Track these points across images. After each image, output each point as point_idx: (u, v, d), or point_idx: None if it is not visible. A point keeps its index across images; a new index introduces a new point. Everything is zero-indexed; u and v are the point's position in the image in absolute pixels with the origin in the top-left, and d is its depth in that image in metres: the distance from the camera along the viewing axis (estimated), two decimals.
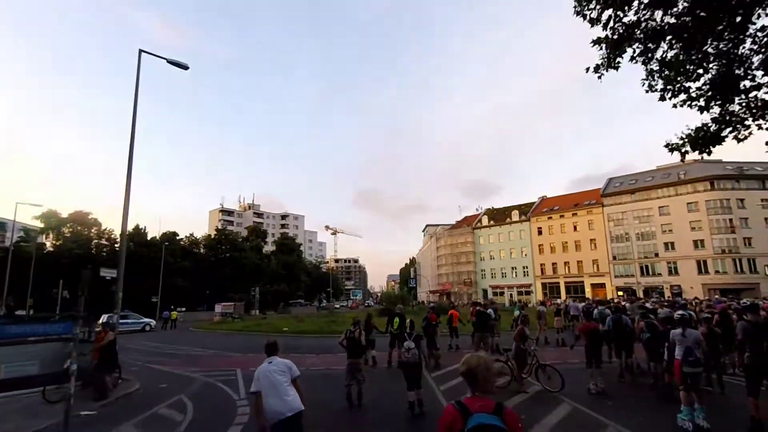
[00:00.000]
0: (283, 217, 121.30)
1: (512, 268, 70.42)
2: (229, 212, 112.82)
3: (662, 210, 55.49)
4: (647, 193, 57.28)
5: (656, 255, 55.29)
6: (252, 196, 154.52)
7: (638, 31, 6.39)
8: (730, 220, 50.71)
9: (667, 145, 6.83)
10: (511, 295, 68.50)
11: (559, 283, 63.56)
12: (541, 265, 66.59)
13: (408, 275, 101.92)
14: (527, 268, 68.23)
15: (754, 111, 6.15)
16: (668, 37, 6.24)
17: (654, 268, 55.46)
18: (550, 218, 66.62)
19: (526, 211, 70.42)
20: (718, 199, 51.64)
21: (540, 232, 67.41)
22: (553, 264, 65.06)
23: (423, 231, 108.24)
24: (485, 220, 76.38)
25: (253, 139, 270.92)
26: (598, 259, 60.10)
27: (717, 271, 50.55)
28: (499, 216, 75.78)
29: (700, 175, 54.04)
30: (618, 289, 56.19)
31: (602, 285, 59.27)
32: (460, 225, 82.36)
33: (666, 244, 54.57)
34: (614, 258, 58.74)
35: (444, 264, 79.96)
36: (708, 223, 51.52)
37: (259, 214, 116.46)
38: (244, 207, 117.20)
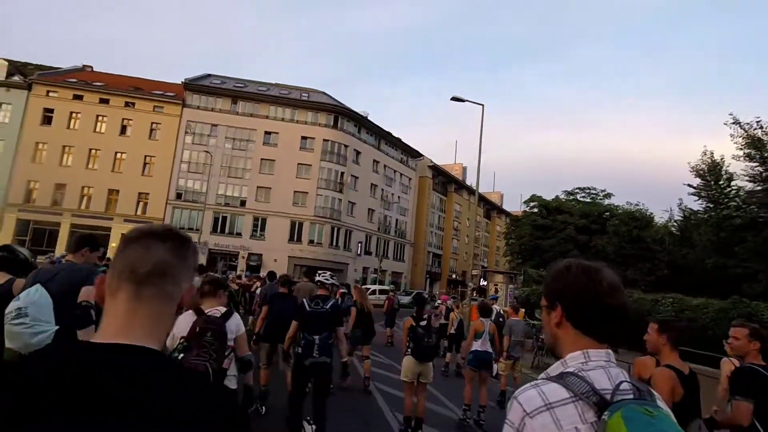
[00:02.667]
0: None
1: None
2: None
3: (269, 138, 35.78)
4: (255, 107, 36.14)
5: (243, 204, 34.79)
6: None
7: None
8: (342, 174, 37.10)
9: None
10: None
11: (59, 224, 31.78)
12: (30, 183, 32.35)
13: None
14: None
15: None
16: None
17: (235, 224, 34.72)
18: (78, 97, 33.57)
19: (28, 73, 33.78)
20: (338, 141, 37.03)
21: (48, 119, 32.95)
22: (59, 187, 32.52)
23: None
24: None
25: None
26: (151, 194, 33.37)
27: (312, 241, 35.45)
28: None
29: (327, 102, 38.17)
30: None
31: None
32: None
33: (261, 190, 35.05)
34: (178, 196, 33.80)
35: None
36: (318, 171, 35.86)
37: None
38: None
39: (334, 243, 36.32)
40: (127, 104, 34.02)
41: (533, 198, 32.61)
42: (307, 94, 38.75)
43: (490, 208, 64.35)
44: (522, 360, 7.63)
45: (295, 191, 35.20)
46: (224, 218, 34.60)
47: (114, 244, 31.91)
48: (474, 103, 16.46)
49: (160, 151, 33.67)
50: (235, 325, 2.86)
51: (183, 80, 35.01)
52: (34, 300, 2.32)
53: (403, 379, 4.86)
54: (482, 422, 5.59)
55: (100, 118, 33.62)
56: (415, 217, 48.01)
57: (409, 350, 4.83)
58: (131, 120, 33.89)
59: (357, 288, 7.96)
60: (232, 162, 34.89)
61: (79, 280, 2.56)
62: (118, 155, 33.40)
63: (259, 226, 34.80)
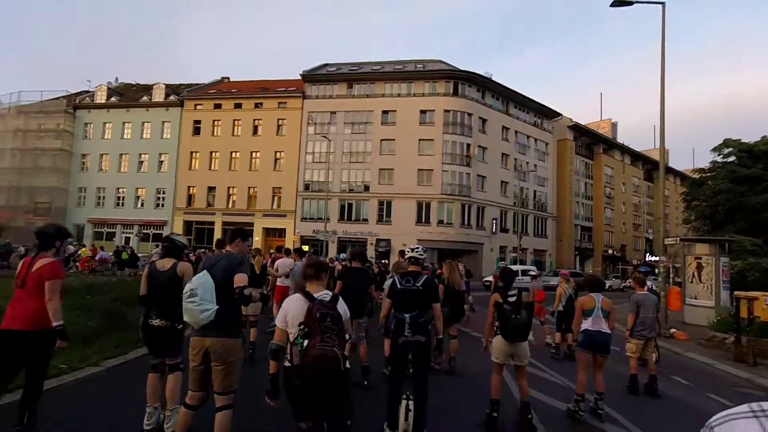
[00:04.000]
0: None
1: (137, 189, 37.60)
2: None
3: (387, 118, 34.21)
4: (371, 87, 34.89)
5: (366, 188, 34.00)
6: None
7: None
8: (468, 146, 33.56)
9: None
10: (126, 239, 36.02)
11: (213, 223, 35.36)
12: (189, 189, 36.65)
13: None
14: (164, 192, 37.00)
15: None
16: None
17: (360, 210, 34.22)
18: (218, 106, 36.81)
19: (180, 92, 38.20)
20: (460, 110, 33.55)
21: (197, 130, 36.91)
22: (210, 189, 36.21)
23: None
24: (101, 96, 39.75)
25: None
26: (283, 188, 34.86)
27: (441, 222, 32.92)
28: (130, 94, 40.69)
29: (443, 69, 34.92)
30: (304, 241, 32.28)
31: (282, 232, 34.60)
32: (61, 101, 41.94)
33: (383, 172, 33.78)
34: (306, 188, 34.61)
35: (12, 167, 38.86)
36: (442, 146, 32.97)
37: None
38: None
39: (465, 222, 33.17)
40: (256, 105, 36.01)
41: (728, 143, 24.37)
42: (422, 65, 36.03)
43: (652, 167, 52.85)
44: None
45: (418, 169, 33.00)
46: (349, 205, 34.32)
47: (257, 238, 34.29)
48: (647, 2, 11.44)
49: (288, 145, 34.83)
50: (343, 309, 2.83)
51: (301, 73, 35.56)
52: (202, 282, 2.90)
53: (493, 360, 4.42)
54: (600, 411, 4.70)
55: (235, 122, 36.28)
56: (556, 187, 41.65)
57: (497, 329, 4.39)
58: (260, 120, 35.77)
59: (447, 264, 7.12)
60: (352, 146, 34.29)
61: (234, 266, 3.12)
62: (253, 155, 35.60)
63: (385, 210, 33.60)
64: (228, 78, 42.47)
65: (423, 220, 32.99)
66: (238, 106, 36.31)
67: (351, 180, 34.14)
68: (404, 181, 32.88)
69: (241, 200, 35.43)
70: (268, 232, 34.80)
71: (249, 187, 35.32)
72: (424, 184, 32.90)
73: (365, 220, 33.75)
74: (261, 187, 34.99)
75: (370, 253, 31.71)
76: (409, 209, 32.83)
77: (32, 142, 38.40)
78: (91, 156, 38.48)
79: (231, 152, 35.90)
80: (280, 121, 35.56)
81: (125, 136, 38.03)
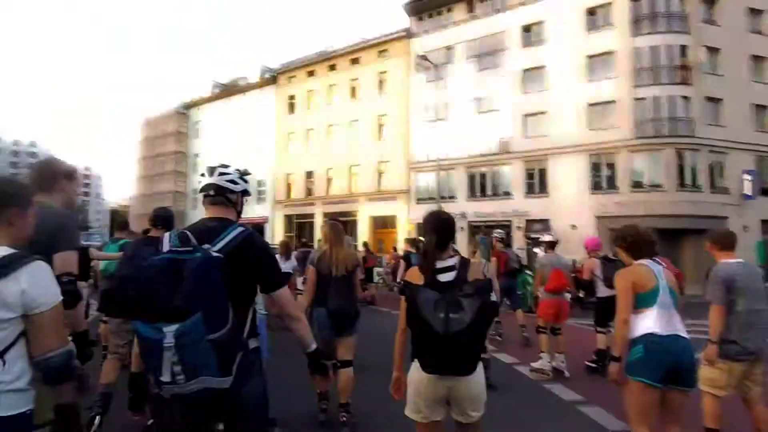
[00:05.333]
0: None
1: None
2: None
3: (529, 37, 22.47)
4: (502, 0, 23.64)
5: (505, 148, 22.74)
6: None
7: None
8: (683, 49, 19.43)
9: None
10: None
11: (314, 215, 28.74)
12: (287, 177, 30.91)
13: None
14: (264, 184, 32.12)
15: None
16: None
17: (499, 180, 23.15)
18: (311, 74, 30.32)
19: (276, 73, 33.02)
20: None
21: (292, 107, 31.10)
22: (308, 175, 29.80)
23: None
24: (207, 91, 37.49)
25: None
26: (390, 162, 26.14)
27: (637, 184, 19.64)
28: (230, 84, 37.44)
29: None
30: (493, 233, 22.64)
31: (391, 221, 25.86)
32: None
33: (530, 120, 22.16)
34: (419, 158, 25.13)
35: (146, 174, 39.69)
36: (629, 58, 19.69)
37: None
38: None
39: (688, 181, 19.13)
40: (352, 62, 28.26)
41: None
42: None
43: None
44: None
45: (589, 104, 20.43)
46: (482, 176, 23.53)
47: (364, 229, 26.28)
48: None
49: (392, 105, 26.02)
50: None
51: (405, 2, 26.35)
52: None
53: (407, 412, 2.26)
54: None
55: (331, 88, 29.17)
56: None
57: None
58: (358, 78, 27.84)
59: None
60: (479, 90, 23.48)
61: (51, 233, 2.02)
62: (354, 125, 27.86)
63: (537, 176, 21.85)
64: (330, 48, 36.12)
65: (604, 184, 20.21)
66: (332, 68, 29.15)
67: (481, 139, 23.37)
68: (565, 126, 20.69)
69: (341, 184, 27.98)
70: (376, 222, 26.46)
71: (350, 166, 27.65)
72: (601, 127, 20.11)
73: (506, 194, 22.54)
74: (363, 165, 26.93)
75: (518, 240, 20.50)
76: (577, 170, 20.46)
77: (155, 149, 38.32)
78: (201, 154, 36.38)
79: (328, 126, 28.88)
80: (382, 76, 26.97)
81: (229, 128, 34.66)
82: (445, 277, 2.07)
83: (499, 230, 8.05)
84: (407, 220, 24.24)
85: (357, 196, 26.97)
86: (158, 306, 1.46)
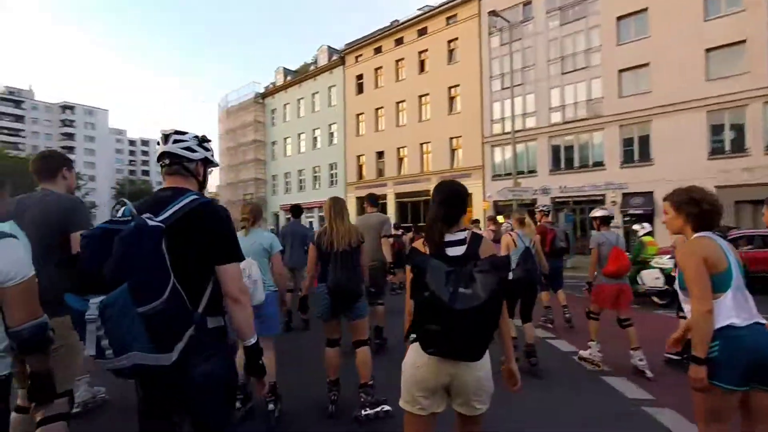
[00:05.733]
0: (66, 108, 78.37)
1: (314, 168, 34.08)
2: None
3: None
4: None
5: (596, 113, 19.80)
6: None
7: None
8: None
9: None
10: (309, 223, 33.02)
11: (386, 197, 28.11)
12: (359, 159, 30.51)
13: None
14: (336, 167, 32.14)
15: None
16: None
17: (588, 150, 20.33)
18: (378, 51, 29.25)
19: (343, 53, 32.42)
20: None
21: (360, 88, 30.42)
22: (379, 156, 29.09)
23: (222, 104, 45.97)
24: (280, 79, 38.19)
25: None
26: (463, 136, 24.35)
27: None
28: (301, 69, 37.69)
29: None
30: (499, 210, 21.33)
31: (468, 198, 24.21)
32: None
33: (626, 76, 18.95)
34: (495, 131, 22.99)
35: (229, 164, 42.13)
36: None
37: (17, 102, 73.22)
38: None
39: None
40: (420, 33, 26.62)
41: None
42: None
43: None
44: None
45: (708, 49, 16.80)
46: (567, 148, 20.83)
47: (501, 217, 24.96)
48: None
49: (464, 75, 24.05)
50: None
51: None
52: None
53: (401, 404, 2.15)
54: None
55: (399, 63, 27.89)
56: None
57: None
58: (427, 50, 26.16)
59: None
60: (564, 48, 20.63)
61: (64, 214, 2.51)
62: (423, 99, 26.42)
63: (636, 141, 18.72)
64: (396, 21, 34.65)
65: (726, 147, 16.65)
66: (399, 42, 27.78)
67: (566, 104, 20.62)
68: (674, 79, 17.27)
69: (413, 162, 26.85)
70: None
71: (421, 144, 26.37)
72: (723, 76, 16.42)
73: (598, 165, 19.71)
74: (435, 141, 25.48)
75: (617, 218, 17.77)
76: (690, 132, 17.04)
77: (236, 139, 40.34)
78: (277, 142, 37.52)
79: (397, 103, 27.76)
80: (452, 44, 25.03)
81: (301, 114, 35.19)
82: (453, 251, 1.92)
83: (545, 204, 7.21)
84: (484, 199, 22.47)
85: (429, 174, 25.70)
86: (87, 277, 1.37)
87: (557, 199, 20.43)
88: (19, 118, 73.61)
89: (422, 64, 26.55)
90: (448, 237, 1.93)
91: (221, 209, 1.70)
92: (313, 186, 33.98)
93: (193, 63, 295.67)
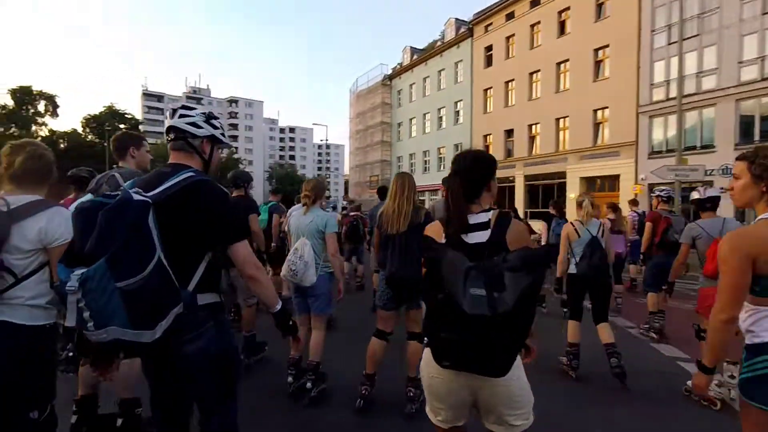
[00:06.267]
0: (232, 102, 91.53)
1: (438, 150, 32.97)
2: (158, 97, 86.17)
3: None
4: None
5: None
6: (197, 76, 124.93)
7: None
8: None
9: None
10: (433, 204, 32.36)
11: (513, 179, 25.72)
12: (485, 139, 28.34)
13: None
14: (461, 147, 30.51)
15: None
16: None
17: None
18: (510, 16, 26.32)
19: (471, 24, 30.12)
20: None
21: (489, 60, 28.00)
22: (508, 134, 26.55)
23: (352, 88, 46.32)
24: (407, 58, 37.50)
25: None
26: (610, 107, 20.48)
27: None
28: (428, 48, 36.19)
29: None
30: (654, 191, 17.28)
31: (612, 182, 20.53)
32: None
33: None
34: (655, 98, 18.69)
35: (358, 147, 43.90)
36: None
37: (198, 99, 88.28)
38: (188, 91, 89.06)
39: None
40: None
41: None
42: None
43: None
44: None
45: None
46: (764, 116, 15.72)
47: (572, 195, 21.86)
48: None
49: (616, 31, 20.03)
50: None
51: None
52: None
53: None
54: None
55: (534, 28, 24.73)
56: None
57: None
58: (569, 7, 22.51)
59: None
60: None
61: None
62: (561, 67, 23.02)
63: None
64: None
65: None
66: (535, 3, 24.52)
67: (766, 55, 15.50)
68: None
69: (547, 141, 23.76)
70: (590, 184, 21.56)
71: (557, 119, 23.14)
72: None
73: None
74: (575, 116, 22.03)
75: None
76: None
77: (365, 122, 41.49)
78: (403, 123, 37.38)
79: (530, 74, 24.78)
80: (599, 2, 21.03)
81: (427, 94, 34.27)
82: (475, 238, 1.62)
83: (664, 188, 5.92)
84: (637, 181, 18.68)
85: (565, 153, 22.47)
86: (75, 249, 1.39)
87: None
88: None
89: (562, 25, 23.03)
90: (471, 218, 1.65)
91: (218, 188, 1.66)
92: (438, 167, 32.99)
93: (330, 49, 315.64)
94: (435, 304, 1.48)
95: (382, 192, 6.66)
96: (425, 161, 34.34)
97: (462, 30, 30.40)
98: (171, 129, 1.71)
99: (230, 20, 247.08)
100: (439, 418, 1.67)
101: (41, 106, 44.59)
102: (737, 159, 1.76)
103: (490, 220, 1.61)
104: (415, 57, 36.01)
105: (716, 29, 16.70)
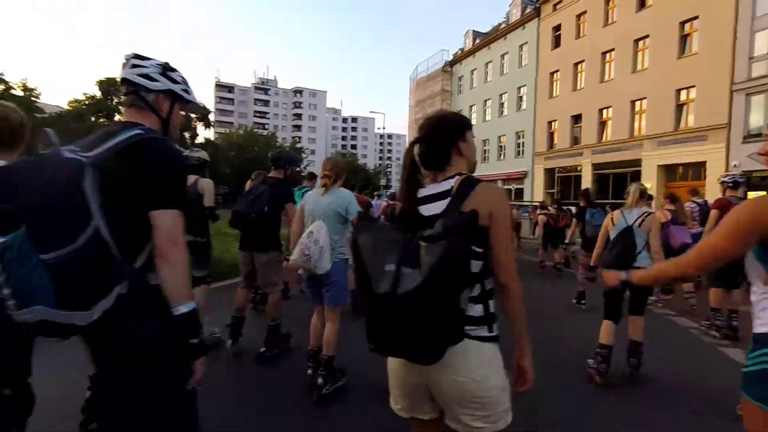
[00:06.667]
0: (297, 92, 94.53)
1: (499, 138, 31.55)
2: (229, 88, 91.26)
3: None
4: None
5: None
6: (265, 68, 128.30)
7: None
8: None
9: None
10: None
11: (580, 167, 24.00)
12: (550, 126, 26.65)
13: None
14: (523, 135, 28.95)
15: None
16: None
17: None
18: None
19: (538, 2, 28.24)
20: None
21: (557, 41, 26.15)
22: (575, 120, 24.72)
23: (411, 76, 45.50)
24: (468, 43, 36.06)
25: None
26: (697, 87, 18.22)
27: None
28: (491, 32, 34.41)
29: None
30: (750, 183, 15.36)
31: (699, 169, 18.38)
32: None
33: None
34: (755, 74, 16.31)
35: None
36: None
37: (265, 90, 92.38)
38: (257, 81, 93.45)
39: None
40: None
41: None
42: None
43: None
44: None
45: None
46: None
47: (649, 184, 19.92)
48: None
49: (707, 1, 17.71)
50: None
51: None
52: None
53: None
54: None
55: (609, 3, 22.62)
56: None
57: None
58: None
59: None
60: None
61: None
62: (639, 44, 20.87)
63: None
64: None
65: None
66: None
67: None
68: None
69: (620, 126, 21.75)
70: (670, 172, 19.49)
71: (632, 102, 21.09)
72: None
73: None
74: (653, 96, 19.91)
75: None
76: None
77: (424, 109, 40.78)
78: (463, 111, 36.22)
79: (603, 53, 22.77)
80: None
81: (489, 79, 32.89)
82: (431, 209, 1.42)
83: (728, 174, 5.24)
84: (729, 167, 16.54)
85: (641, 139, 20.45)
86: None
87: None
88: (266, 103, 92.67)
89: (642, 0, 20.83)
90: (429, 190, 1.46)
91: (168, 147, 1.45)
92: (498, 156, 31.69)
93: (390, 39, 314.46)
94: (357, 284, 1.32)
95: None
96: (485, 150, 33.04)
97: (528, 10, 28.64)
98: (122, 81, 1.52)
99: (296, 8, 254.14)
100: (398, 406, 1.53)
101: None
102: None
103: (452, 187, 1.41)
104: (477, 41, 34.64)
105: None
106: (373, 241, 1.28)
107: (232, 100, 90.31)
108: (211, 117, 58.58)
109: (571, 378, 3.64)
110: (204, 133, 53.95)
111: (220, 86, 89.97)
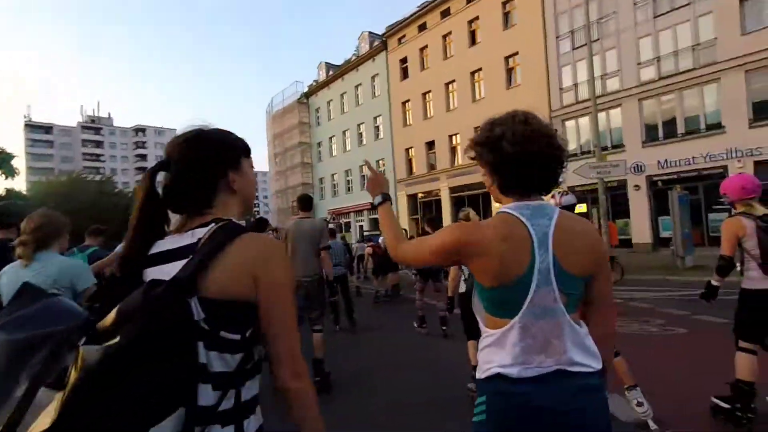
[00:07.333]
0: (139, 131, 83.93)
1: (361, 168, 31.69)
2: (46, 128, 76.18)
3: None
4: None
5: (704, 59, 15.10)
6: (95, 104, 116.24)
7: None
8: None
9: None
10: (360, 227, 30.80)
11: (439, 192, 24.92)
12: (407, 153, 27.54)
13: None
14: (384, 163, 29.46)
15: None
16: None
17: (694, 107, 15.67)
18: (423, 27, 26.07)
19: (384, 36, 29.56)
20: None
21: (405, 72, 27.48)
22: (429, 146, 25.89)
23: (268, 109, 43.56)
24: (322, 74, 36.25)
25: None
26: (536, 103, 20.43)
27: None
28: (343, 64, 35.32)
29: None
30: (578, 197, 16.90)
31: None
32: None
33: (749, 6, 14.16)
34: (565, 101, 18.89)
35: (279, 170, 41.13)
36: None
37: (96, 129, 79.75)
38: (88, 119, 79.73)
39: None
40: (468, 0, 23.12)
41: None
42: None
43: None
44: None
45: None
46: (666, 110, 16.26)
47: (497, 205, 21.25)
48: None
49: (523, 39, 20.21)
50: None
51: None
52: None
53: None
54: None
55: (446, 38, 24.58)
56: None
57: None
58: (477, 17, 22.59)
59: None
60: None
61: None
62: (475, 76, 22.90)
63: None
64: None
65: None
66: (445, 13, 24.46)
67: (663, 53, 16.10)
68: None
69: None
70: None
71: (475, 128, 22.54)
72: None
73: (714, 128, 15.02)
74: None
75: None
76: None
77: (283, 143, 39.17)
78: (323, 143, 35.68)
79: (446, 84, 24.45)
80: (507, 6, 21.25)
81: (345, 110, 33.02)
82: (162, 273, 0.89)
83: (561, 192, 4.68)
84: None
85: None
86: None
87: (655, 178, 15.99)
88: (99, 144, 79.99)
89: (473, 35, 23.02)
90: (167, 242, 0.95)
91: None
92: (361, 187, 31.47)
93: (240, 70, 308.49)
94: None
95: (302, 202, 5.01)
96: (348, 180, 32.69)
97: (376, 43, 29.75)
98: None
99: (134, 41, 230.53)
100: None
101: None
102: None
103: (199, 240, 0.92)
104: (330, 73, 34.75)
105: (614, 33, 17.19)
106: (8, 344, 0.81)
107: (52, 142, 75.70)
108: (18, 162, 47.38)
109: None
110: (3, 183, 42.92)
111: (31, 126, 74.78)
